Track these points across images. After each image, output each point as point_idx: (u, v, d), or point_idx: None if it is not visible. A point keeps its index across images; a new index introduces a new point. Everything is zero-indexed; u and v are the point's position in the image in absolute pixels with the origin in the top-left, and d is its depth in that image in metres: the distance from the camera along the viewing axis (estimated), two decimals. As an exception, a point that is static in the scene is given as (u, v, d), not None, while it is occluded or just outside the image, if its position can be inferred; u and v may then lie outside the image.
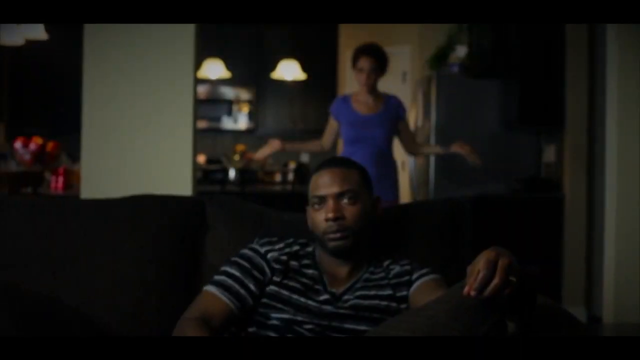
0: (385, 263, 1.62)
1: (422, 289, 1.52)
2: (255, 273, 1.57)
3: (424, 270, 1.57)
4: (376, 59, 3.60)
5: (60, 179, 3.85)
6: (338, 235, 1.53)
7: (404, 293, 1.55)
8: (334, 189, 1.56)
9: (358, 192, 1.57)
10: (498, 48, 4.79)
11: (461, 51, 4.95)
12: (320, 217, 1.56)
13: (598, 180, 4.45)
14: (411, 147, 3.87)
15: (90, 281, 1.66)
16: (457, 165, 4.70)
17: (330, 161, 1.63)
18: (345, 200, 1.56)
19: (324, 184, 1.57)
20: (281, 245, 1.62)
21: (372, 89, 3.66)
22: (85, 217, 1.72)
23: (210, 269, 1.69)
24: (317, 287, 1.56)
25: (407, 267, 1.59)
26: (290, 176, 6.10)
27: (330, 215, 1.53)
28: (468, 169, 4.68)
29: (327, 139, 3.85)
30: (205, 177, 5.91)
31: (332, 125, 3.80)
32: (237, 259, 1.60)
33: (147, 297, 1.67)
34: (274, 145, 3.72)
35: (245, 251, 1.61)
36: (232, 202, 1.82)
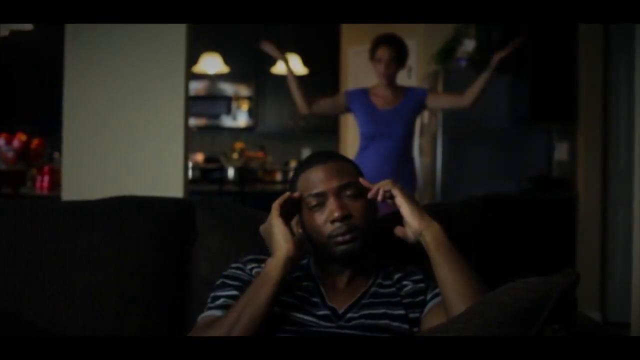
0: (396, 276, 1.41)
1: (436, 311, 1.31)
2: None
3: (438, 289, 1.34)
4: (395, 49, 3.41)
5: (46, 179, 3.65)
6: (348, 237, 1.31)
7: (417, 315, 1.35)
8: (334, 183, 1.34)
9: (359, 185, 1.36)
10: (507, 41, 4.57)
11: (469, 45, 4.79)
12: (320, 220, 1.33)
13: (613, 179, 4.30)
14: (461, 101, 3.59)
15: (62, 295, 1.46)
16: (465, 164, 4.54)
17: (318, 156, 1.40)
18: (347, 196, 1.34)
19: (320, 179, 1.34)
20: None
21: (391, 81, 3.47)
22: (57, 221, 1.52)
23: (200, 281, 1.50)
24: (314, 299, 1.35)
25: (422, 285, 1.38)
26: (291, 175, 5.95)
27: (337, 214, 1.30)
28: (476, 167, 4.54)
29: (320, 106, 3.55)
30: (204, 176, 5.80)
31: (339, 104, 3.57)
32: (224, 280, 1.39)
33: (128, 314, 1.47)
34: (275, 51, 3.35)
35: (230, 271, 1.41)
36: (226, 205, 1.62)
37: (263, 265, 1.38)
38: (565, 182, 4.49)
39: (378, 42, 3.43)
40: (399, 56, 3.44)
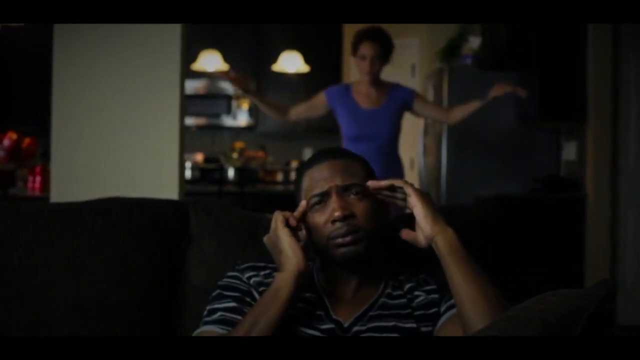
0: (407, 286, 1.28)
1: (451, 324, 1.20)
2: (248, 299, 1.24)
3: (453, 301, 1.20)
4: (380, 45, 3.21)
5: (38, 179, 3.53)
6: (349, 238, 1.19)
7: (430, 329, 1.23)
8: (337, 181, 1.22)
9: (365, 186, 1.25)
10: (514, 38, 4.51)
11: (474, 42, 4.69)
12: (321, 220, 1.22)
13: (623, 180, 4.21)
14: (446, 117, 3.48)
15: (43, 305, 1.35)
16: (470, 165, 4.44)
17: (325, 152, 1.29)
18: (351, 196, 1.23)
19: (323, 178, 1.23)
20: (267, 271, 1.29)
21: (376, 79, 3.28)
22: (39, 225, 1.40)
23: (194, 290, 1.39)
24: (317, 312, 1.23)
25: (435, 296, 1.26)
26: (293, 175, 5.88)
27: (338, 214, 1.19)
28: (482, 167, 4.43)
29: (299, 113, 3.42)
30: (203, 176, 5.71)
31: (318, 105, 3.39)
32: (221, 291, 1.27)
33: (115, 325, 1.36)
34: (238, 80, 3.21)
35: (226, 281, 1.29)
36: (222, 208, 1.49)
37: (262, 273, 1.28)
38: (573, 183, 4.38)
39: (361, 38, 3.23)
40: (384, 52, 3.25)
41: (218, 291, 1.26)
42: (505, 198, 4.22)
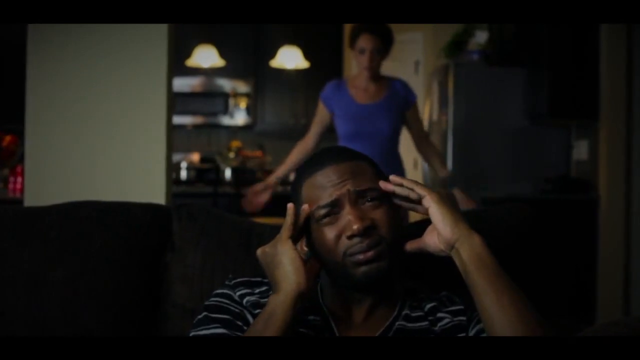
0: (428, 306, 1.10)
1: None
2: (239, 323, 1.06)
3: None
4: (379, 38, 3.01)
5: (20, 180, 3.34)
6: (371, 254, 1.01)
7: None
8: (349, 187, 1.04)
9: (380, 189, 1.06)
10: (523, 32, 4.36)
11: (481, 37, 4.53)
12: (332, 234, 1.03)
13: (637, 180, 4.07)
14: (420, 144, 3.25)
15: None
16: (477, 164, 4.28)
17: (327, 154, 1.10)
18: (367, 203, 1.04)
19: (331, 184, 1.05)
20: (263, 288, 1.10)
21: (375, 74, 3.09)
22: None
23: (175, 309, 1.20)
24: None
25: (462, 318, 1.07)
26: (292, 176, 5.70)
27: (357, 226, 1.00)
28: (490, 167, 4.27)
29: (313, 134, 3.25)
30: (200, 177, 5.55)
31: (323, 115, 3.20)
32: (207, 313, 1.08)
33: (84, 352, 1.17)
34: (266, 193, 3.14)
35: (214, 300, 1.10)
36: (209, 213, 1.30)
37: (257, 290, 1.09)
38: (585, 183, 4.23)
39: (359, 29, 3.04)
40: (384, 45, 3.05)
41: (204, 314, 1.07)
42: (515, 199, 4.06)
